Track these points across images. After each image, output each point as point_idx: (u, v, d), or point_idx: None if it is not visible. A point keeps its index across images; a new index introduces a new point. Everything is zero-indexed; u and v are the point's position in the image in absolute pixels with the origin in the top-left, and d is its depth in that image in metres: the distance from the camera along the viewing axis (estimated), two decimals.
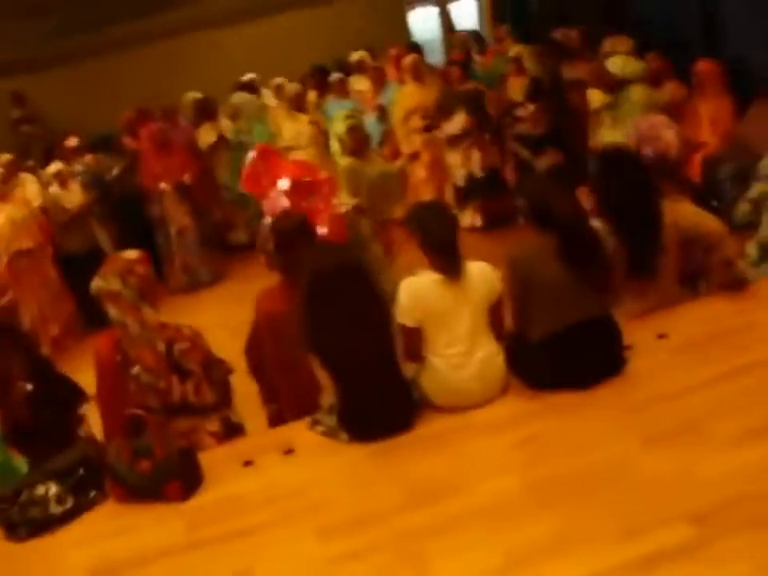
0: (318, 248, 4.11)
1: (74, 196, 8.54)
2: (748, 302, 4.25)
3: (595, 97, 7.70)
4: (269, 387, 4.42)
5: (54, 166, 8.64)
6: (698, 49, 8.12)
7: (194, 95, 10.52)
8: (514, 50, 9.27)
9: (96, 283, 3.88)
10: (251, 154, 6.55)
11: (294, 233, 4.35)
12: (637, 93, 7.43)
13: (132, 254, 4.01)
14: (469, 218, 9.00)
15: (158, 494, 3.57)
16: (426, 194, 9.07)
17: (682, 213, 4.20)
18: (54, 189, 8.49)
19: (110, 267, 3.90)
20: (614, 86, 7.52)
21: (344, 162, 6.59)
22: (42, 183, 8.95)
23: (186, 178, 9.19)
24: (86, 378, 6.47)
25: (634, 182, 4.13)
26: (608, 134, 7.30)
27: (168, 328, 3.93)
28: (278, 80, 10.26)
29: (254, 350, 4.38)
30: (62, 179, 8.51)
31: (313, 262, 3.76)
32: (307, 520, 3.31)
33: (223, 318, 6.92)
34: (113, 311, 3.85)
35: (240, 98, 9.90)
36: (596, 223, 4.02)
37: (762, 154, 5.30)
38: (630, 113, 7.08)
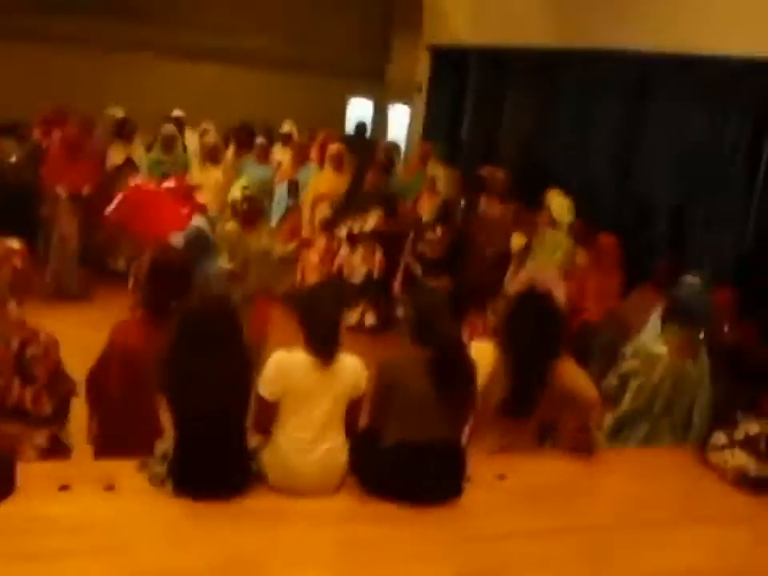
0: (198, 294, 4.06)
1: None
2: (593, 467, 4.39)
3: (516, 240, 8.04)
4: (101, 419, 4.28)
5: None
6: (608, 220, 8.55)
7: (115, 111, 10.42)
8: (435, 170, 9.54)
9: None
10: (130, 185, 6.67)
11: (170, 268, 4.32)
12: (559, 237, 7.84)
13: (14, 243, 3.89)
14: (357, 315, 9.08)
15: None
16: (311, 281, 9.16)
17: (565, 370, 4.35)
18: None
19: None
20: (532, 229, 7.90)
21: (229, 226, 6.65)
22: None
23: (85, 189, 9.04)
24: None
25: (548, 326, 4.28)
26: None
27: (26, 329, 3.80)
28: (205, 125, 10.28)
29: (97, 379, 4.24)
30: None
31: (190, 305, 3.72)
32: (113, 559, 3.19)
33: (76, 337, 6.68)
34: None
35: (171, 130, 9.83)
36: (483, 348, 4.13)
37: (633, 335, 5.58)
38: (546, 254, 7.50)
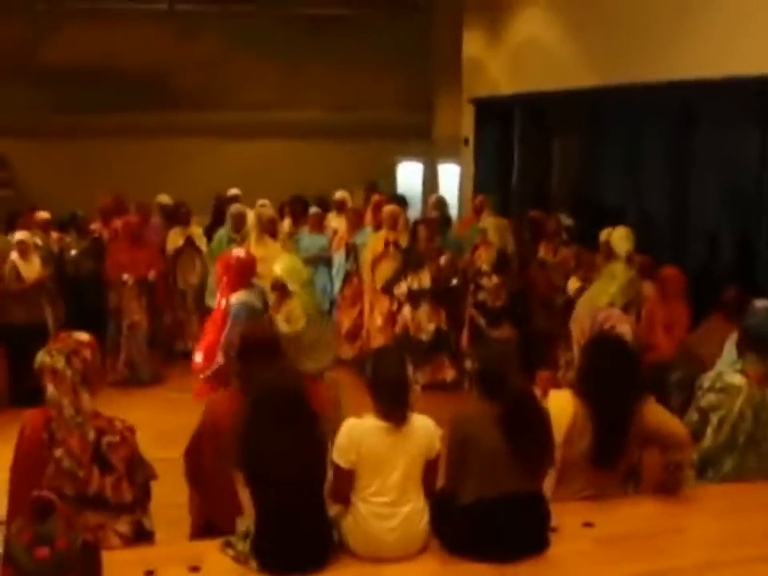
0: (276, 368, 4.10)
1: (32, 268, 8.49)
2: (678, 508, 4.28)
3: (572, 284, 7.98)
4: (201, 496, 4.31)
5: (20, 235, 8.60)
6: (667, 253, 8.46)
7: (162, 199, 10.67)
8: (484, 221, 9.56)
9: (41, 357, 3.82)
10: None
11: (259, 344, 4.37)
12: (619, 269, 7.75)
13: (83, 336, 3.96)
14: (430, 373, 9.07)
15: None
16: (378, 343, 9.17)
17: (649, 410, 4.28)
18: (15, 256, 8.42)
19: (59, 345, 3.85)
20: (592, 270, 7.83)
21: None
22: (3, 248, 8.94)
23: (151, 275, 9.24)
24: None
25: (627, 371, 4.22)
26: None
27: (101, 418, 3.85)
28: (262, 201, 10.44)
29: (193, 456, 4.29)
30: (24, 248, 8.47)
31: (265, 380, 3.75)
32: None
33: (153, 421, 6.81)
34: (51, 389, 3.78)
35: (240, 208, 10.00)
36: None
37: (707, 368, 5.46)
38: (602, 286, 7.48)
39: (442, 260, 9.05)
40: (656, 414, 4.30)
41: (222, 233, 9.84)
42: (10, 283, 8.39)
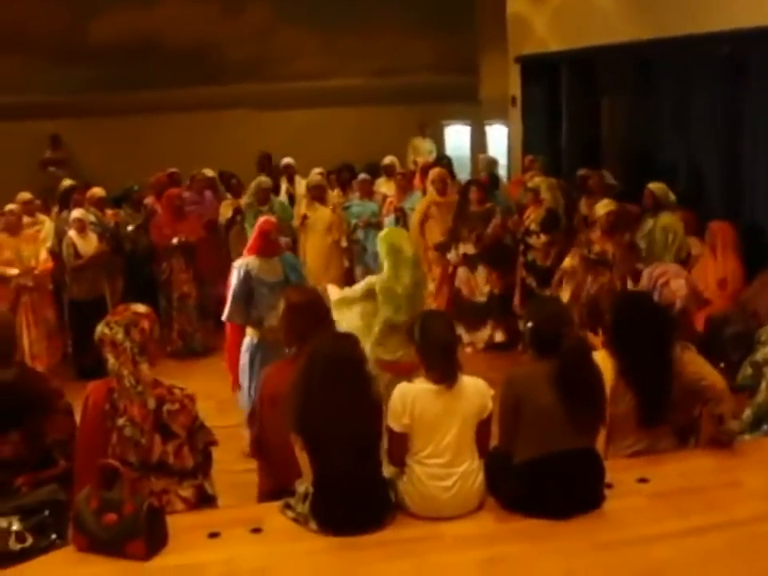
0: (326, 332, 4.17)
1: (89, 244, 8.67)
2: (733, 461, 4.28)
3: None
4: (266, 462, 4.40)
5: (77, 212, 8.77)
6: (719, 209, 8.35)
7: (206, 172, 10.76)
8: (534, 180, 9.50)
9: (101, 329, 3.92)
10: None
11: (305, 305, 4.45)
12: (667, 218, 7.80)
13: (141, 308, 4.06)
14: (486, 334, 9.10)
15: (121, 549, 3.55)
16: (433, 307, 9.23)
17: (687, 361, 4.28)
18: (73, 234, 8.60)
19: (118, 317, 3.95)
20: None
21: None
22: (57, 226, 9.14)
23: (192, 237, 9.33)
24: None
25: (652, 327, 4.23)
26: None
27: (161, 387, 3.95)
28: (317, 169, 10.49)
29: (254, 423, 4.39)
30: (81, 226, 8.64)
31: (317, 344, 3.83)
32: None
33: (211, 390, 6.92)
34: (111, 360, 3.89)
35: (264, 181, 10.01)
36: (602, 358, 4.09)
37: (763, 322, 5.41)
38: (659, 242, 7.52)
39: (493, 223, 9.01)
40: (695, 366, 4.30)
41: (249, 207, 9.81)
42: (69, 260, 8.58)
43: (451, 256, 9.26)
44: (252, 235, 6.77)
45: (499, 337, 9.14)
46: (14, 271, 8.20)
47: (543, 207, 8.92)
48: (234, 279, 6.49)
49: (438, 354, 3.83)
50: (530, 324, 4.01)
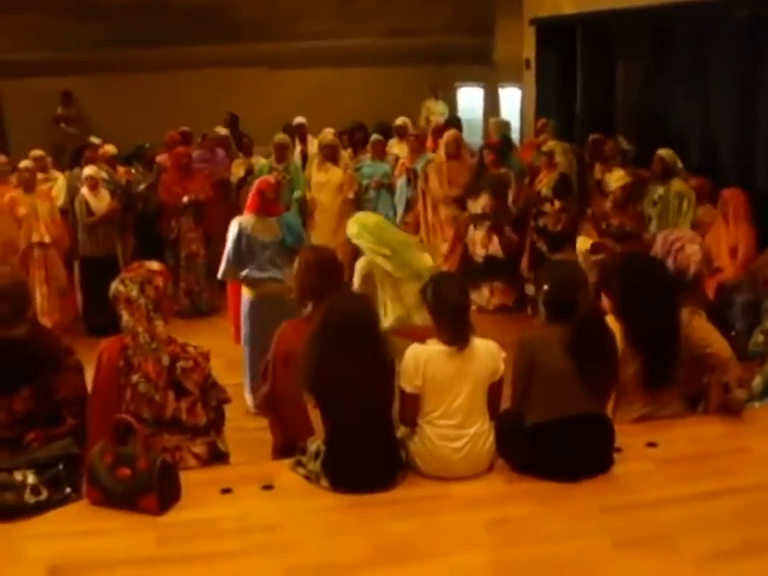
0: (341, 292, 4.19)
1: (101, 201, 8.67)
2: (742, 427, 4.30)
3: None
4: (278, 418, 4.44)
5: (89, 169, 8.77)
6: (733, 176, 8.30)
7: (219, 131, 10.75)
8: (549, 144, 9.45)
9: (115, 286, 3.94)
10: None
11: (322, 263, 4.48)
12: (679, 184, 7.83)
13: (155, 265, 4.08)
14: (482, 297, 9.10)
15: (134, 503, 3.59)
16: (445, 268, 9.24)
17: (695, 327, 4.29)
18: (85, 191, 8.61)
19: (132, 274, 3.97)
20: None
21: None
22: (69, 183, 9.16)
23: (201, 195, 9.32)
24: None
25: (659, 290, 4.22)
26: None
27: (175, 344, 3.98)
28: (327, 129, 10.46)
29: (267, 379, 4.42)
30: (93, 183, 8.64)
31: (332, 303, 3.85)
32: (276, 557, 3.33)
33: (219, 348, 6.92)
34: (126, 316, 3.91)
35: (282, 138, 9.99)
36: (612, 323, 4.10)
37: None
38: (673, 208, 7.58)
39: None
40: (703, 332, 4.30)
41: (265, 162, 9.83)
42: (82, 217, 8.59)
43: (468, 211, 9.21)
44: (251, 193, 6.81)
45: (493, 300, 9.10)
46: (36, 238, 8.21)
47: (557, 171, 8.87)
48: (229, 236, 6.57)
49: (449, 315, 3.84)
50: (545, 287, 4.02)
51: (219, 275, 6.76)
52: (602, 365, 3.86)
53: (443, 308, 3.86)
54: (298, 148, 10.93)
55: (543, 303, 4.02)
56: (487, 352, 3.88)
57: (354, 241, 5.57)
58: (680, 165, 8.10)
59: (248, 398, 6.58)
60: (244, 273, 6.57)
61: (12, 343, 4.01)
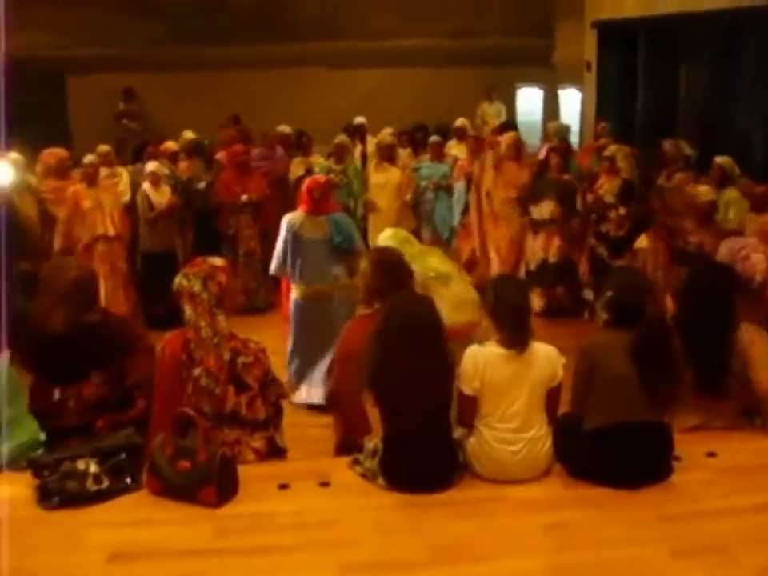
0: (405, 292, 4.21)
1: (163, 197, 8.78)
2: None
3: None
4: (341, 415, 4.48)
5: (152, 165, 8.88)
6: None
7: (283, 129, 10.79)
8: (610, 149, 9.35)
9: (179, 281, 4.00)
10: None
11: (390, 262, 4.52)
12: (730, 193, 7.74)
13: (217, 260, 4.14)
14: (537, 301, 9.04)
15: (193, 495, 3.65)
16: (497, 270, 9.24)
17: (748, 343, 4.24)
18: (147, 186, 8.73)
19: (195, 269, 4.02)
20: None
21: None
22: (131, 178, 9.29)
23: (255, 196, 9.35)
24: None
25: (718, 297, 4.19)
26: None
27: (236, 339, 4.03)
28: (387, 129, 10.47)
29: (332, 377, 4.46)
30: (155, 179, 8.75)
31: (395, 302, 3.87)
32: (331, 553, 3.36)
33: (274, 345, 6.99)
34: (189, 311, 3.97)
35: (342, 140, 10.01)
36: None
37: None
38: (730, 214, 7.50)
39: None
40: (757, 354, 4.22)
41: (325, 164, 9.81)
42: (144, 212, 8.71)
43: (535, 216, 9.16)
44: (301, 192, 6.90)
45: (540, 306, 9.01)
46: (101, 231, 8.34)
47: (619, 177, 8.76)
48: (280, 233, 6.67)
49: (510, 318, 3.84)
50: (608, 293, 3.99)
51: (270, 270, 6.89)
52: (665, 372, 3.82)
53: (504, 310, 3.86)
54: (359, 148, 10.94)
55: (607, 308, 3.99)
56: (546, 356, 3.87)
57: None
58: (737, 172, 7.96)
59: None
60: (290, 270, 6.66)
61: (86, 328, 4.11)
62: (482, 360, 3.82)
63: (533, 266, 9.17)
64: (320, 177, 7.28)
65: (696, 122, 10.97)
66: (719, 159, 8.02)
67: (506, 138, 9.52)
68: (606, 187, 8.78)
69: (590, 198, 8.87)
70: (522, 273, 9.26)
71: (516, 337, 3.83)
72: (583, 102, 13.40)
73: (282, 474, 3.91)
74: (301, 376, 6.81)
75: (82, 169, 8.55)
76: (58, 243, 8.19)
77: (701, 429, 4.28)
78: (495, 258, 9.50)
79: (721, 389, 4.23)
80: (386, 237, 5.82)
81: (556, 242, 9.03)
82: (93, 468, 3.75)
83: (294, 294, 6.73)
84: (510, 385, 3.80)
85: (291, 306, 6.79)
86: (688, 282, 4.34)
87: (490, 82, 14.06)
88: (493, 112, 13.95)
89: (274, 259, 6.75)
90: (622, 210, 8.54)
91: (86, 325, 4.12)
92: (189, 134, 9.98)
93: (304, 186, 6.90)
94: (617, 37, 12.36)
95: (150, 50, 13.61)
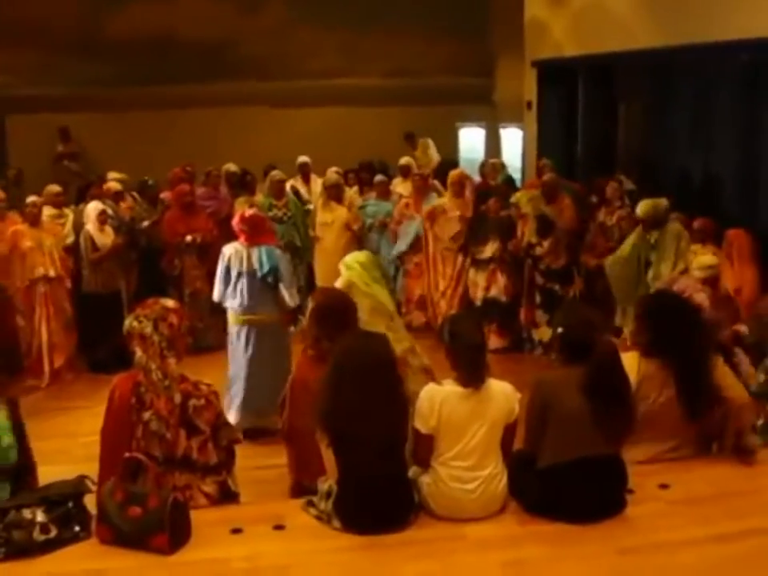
0: (357, 331, 4.19)
1: (107, 237, 8.65)
2: (755, 469, 4.29)
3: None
4: (295, 454, 4.43)
5: (97, 205, 8.74)
6: (737, 217, 8.33)
7: (229, 167, 10.77)
8: (516, 195, 9.45)
9: (130, 322, 3.93)
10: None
11: (335, 308, 4.52)
12: (674, 225, 7.88)
13: (170, 302, 4.07)
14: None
15: (144, 542, 3.56)
16: (442, 308, 9.30)
17: (717, 371, 4.31)
18: (91, 227, 8.58)
19: (147, 310, 3.95)
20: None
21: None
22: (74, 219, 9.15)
23: (198, 237, 9.27)
24: (80, 415, 6.55)
25: (695, 325, 4.27)
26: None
27: (187, 381, 3.96)
28: (333, 168, 10.49)
29: (285, 409, 4.42)
30: (104, 218, 8.63)
31: (349, 343, 3.84)
32: None
33: (220, 385, 6.92)
34: (139, 353, 3.89)
35: (279, 175, 9.99)
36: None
37: None
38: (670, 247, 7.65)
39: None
40: (723, 376, 4.32)
41: (264, 200, 9.79)
42: (87, 253, 8.55)
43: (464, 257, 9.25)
44: (245, 224, 6.92)
45: (495, 342, 9.06)
46: (41, 272, 8.19)
47: (530, 219, 8.92)
48: (219, 262, 6.94)
49: (466, 356, 3.83)
50: (559, 329, 4.02)
51: (213, 297, 7.07)
52: (618, 406, 3.84)
53: (461, 348, 3.85)
54: (290, 183, 10.90)
55: (558, 345, 4.02)
56: (503, 393, 3.87)
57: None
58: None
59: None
60: (225, 298, 6.90)
61: None
62: (438, 399, 3.80)
63: (478, 302, 9.21)
64: (248, 210, 7.32)
65: (635, 159, 11.18)
66: (639, 210, 8.11)
67: (450, 176, 9.61)
68: (527, 232, 8.93)
69: (513, 245, 8.98)
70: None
71: (473, 375, 3.82)
72: (525, 140, 13.58)
73: (234, 518, 3.84)
74: (230, 401, 6.90)
75: (26, 209, 8.40)
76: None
77: (653, 460, 4.30)
78: (440, 297, 9.56)
79: (700, 410, 4.26)
80: (359, 255, 6.07)
81: (500, 279, 9.12)
82: (40, 517, 3.64)
83: (229, 320, 6.97)
84: (467, 423, 3.79)
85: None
86: (664, 313, 4.40)
87: (431, 120, 14.17)
88: (425, 160, 13.84)
89: (215, 286, 6.95)
90: (546, 243, 8.69)
91: None
92: (114, 185, 9.83)
93: (235, 220, 7.05)
94: (556, 76, 12.58)
95: (92, 90, 13.57)
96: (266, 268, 6.74)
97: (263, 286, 6.74)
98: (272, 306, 6.79)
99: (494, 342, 8.90)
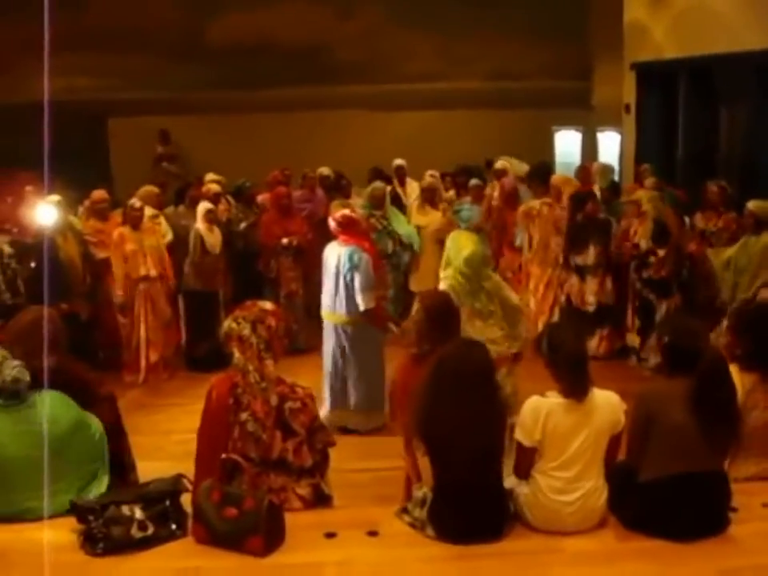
0: (457, 339, 4.15)
1: (216, 238, 8.74)
2: None
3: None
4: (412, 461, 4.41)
5: (206, 205, 8.83)
6: None
7: (322, 171, 10.81)
8: (637, 193, 9.24)
9: (228, 324, 3.97)
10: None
11: (445, 312, 4.49)
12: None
13: (268, 305, 4.10)
14: (594, 344, 8.93)
15: (239, 544, 3.59)
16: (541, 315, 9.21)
17: None
18: (202, 227, 8.64)
19: (245, 312, 3.99)
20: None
21: None
22: (172, 220, 9.32)
23: (294, 240, 9.29)
24: (176, 412, 6.62)
25: None
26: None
27: (284, 384, 3.98)
28: (431, 171, 10.43)
29: (395, 419, 4.43)
30: (212, 217, 8.73)
31: (448, 351, 3.80)
32: None
33: (315, 387, 6.95)
34: (237, 354, 3.93)
35: (380, 187, 9.90)
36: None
37: None
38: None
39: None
40: None
41: (364, 210, 9.59)
42: (195, 252, 8.57)
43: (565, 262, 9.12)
44: (346, 225, 6.96)
45: (602, 349, 8.92)
46: (142, 272, 8.33)
47: (649, 219, 8.68)
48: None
49: (569, 367, 3.75)
50: (665, 340, 3.91)
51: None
52: (726, 421, 3.72)
53: (561, 360, 3.77)
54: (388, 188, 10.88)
55: (663, 354, 3.91)
56: (608, 403, 3.78)
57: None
58: None
59: None
60: None
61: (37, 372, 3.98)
62: (543, 411, 3.72)
63: (591, 308, 9.05)
64: (343, 211, 7.32)
65: (736, 164, 10.88)
66: (751, 205, 7.87)
67: (553, 179, 9.53)
68: (640, 232, 8.70)
69: (627, 246, 8.78)
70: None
71: (576, 385, 3.74)
72: (622, 144, 13.33)
73: (328, 522, 3.84)
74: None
75: (126, 210, 8.55)
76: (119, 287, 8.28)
77: (756, 477, 4.16)
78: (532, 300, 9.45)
79: None
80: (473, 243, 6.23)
81: (609, 283, 8.97)
82: (138, 514, 3.70)
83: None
84: (572, 434, 3.71)
85: None
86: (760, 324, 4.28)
87: (527, 124, 14.02)
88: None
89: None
90: (661, 252, 8.46)
91: (36, 369, 3.99)
92: (214, 186, 9.94)
93: (330, 220, 7.16)
94: (656, 78, 12.33)
95: (191, 94, 13.82)
96: (345, 267, 6.77)
97: (345, 286, 6.77)
98: (354, 307, 6.77)
99: (604, 347, 8.80)
